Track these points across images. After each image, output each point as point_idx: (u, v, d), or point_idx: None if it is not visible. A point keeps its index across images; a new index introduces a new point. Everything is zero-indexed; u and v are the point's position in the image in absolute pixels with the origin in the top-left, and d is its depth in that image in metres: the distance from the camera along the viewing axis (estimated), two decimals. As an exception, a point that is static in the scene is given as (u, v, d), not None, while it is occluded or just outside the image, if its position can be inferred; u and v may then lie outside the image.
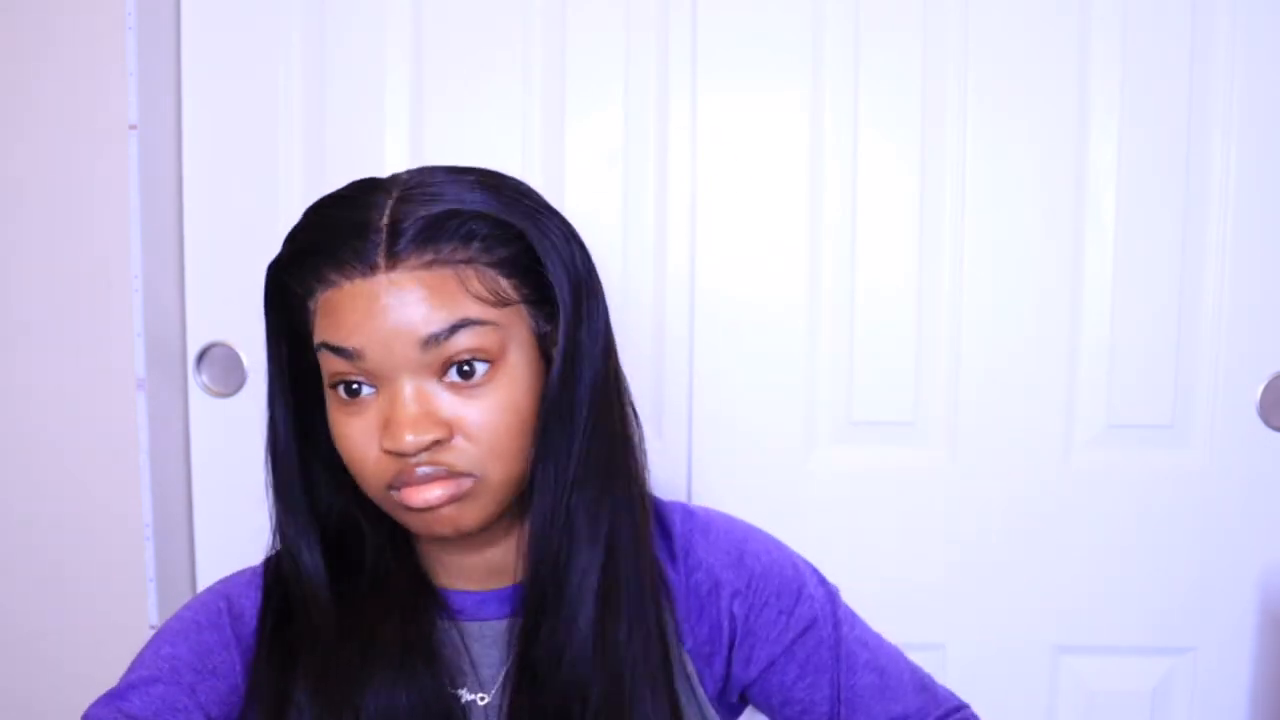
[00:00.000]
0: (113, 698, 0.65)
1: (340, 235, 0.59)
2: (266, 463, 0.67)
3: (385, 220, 0.58)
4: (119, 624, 1.11)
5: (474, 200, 0.60)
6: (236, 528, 1.12)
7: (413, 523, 0.62)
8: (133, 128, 1.06)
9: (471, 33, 1.07)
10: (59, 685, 1.12)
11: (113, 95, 1.05)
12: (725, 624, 0.70)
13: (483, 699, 0.67)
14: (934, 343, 1.07)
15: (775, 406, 1.09)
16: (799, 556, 0.75)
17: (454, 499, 0.60)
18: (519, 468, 0.62)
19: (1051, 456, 1.07)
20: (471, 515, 0.61)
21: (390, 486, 0.60)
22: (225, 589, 0.70)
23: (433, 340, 0.58)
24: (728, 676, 0.72)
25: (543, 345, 0.63)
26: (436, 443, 0.59)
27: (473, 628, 0.68)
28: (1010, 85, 1.05)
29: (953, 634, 1.10)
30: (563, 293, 0.62)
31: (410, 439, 0.58)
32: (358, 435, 0.61)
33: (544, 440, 0.62)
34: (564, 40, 1.07)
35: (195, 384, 1.12)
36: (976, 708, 1.12)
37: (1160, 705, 1.10)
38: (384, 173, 1.10)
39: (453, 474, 0.60)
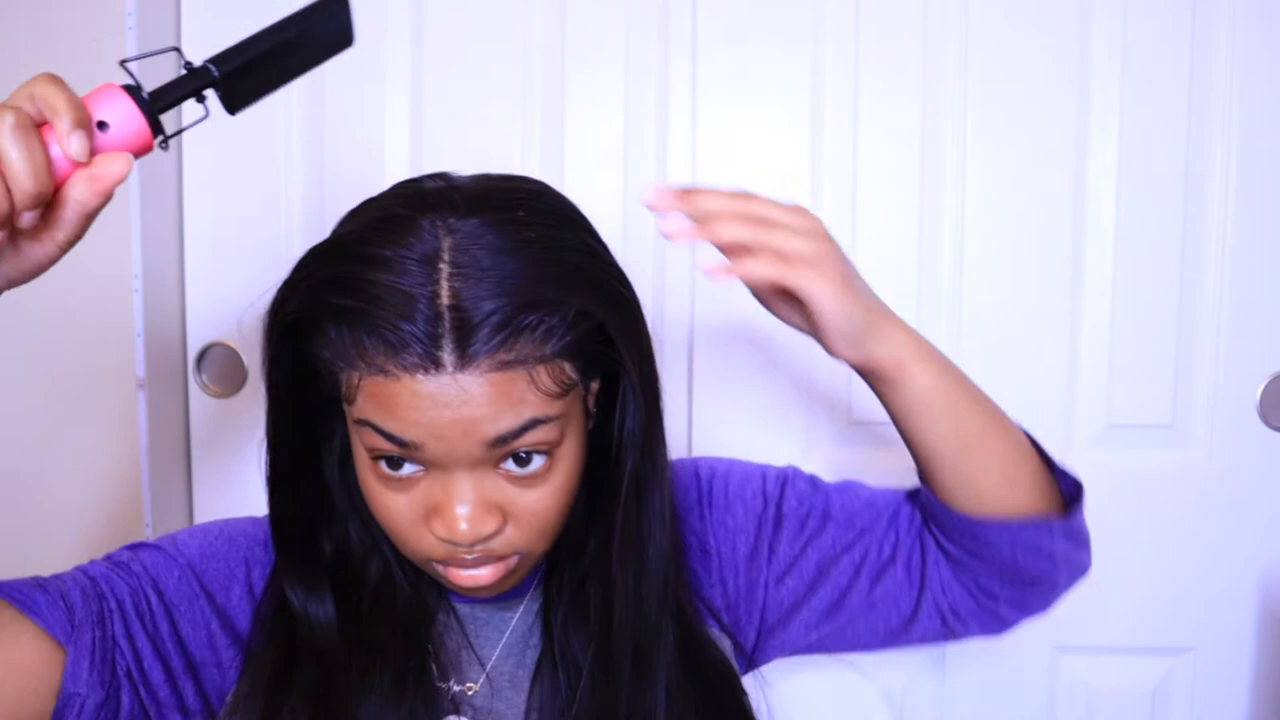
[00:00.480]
0: (138, 547, 0.67)
1: (393, 319, 0.52)
2: (269, 502, 0.65)
3: (446, 303, 0.52)
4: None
5: (548, 293, 0.54)
6: (236, 528, 1.12)
7: (451, 585, 0.62)
8: (133, 128, 1.05)
9: (471, 31, 1.07)
10: (59, 685, 1.12)
11: (113, 95, 1.05)
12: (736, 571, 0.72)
13: (473, 687, 0.67)
14: (934, 342, 1.07)
15: (775, 407, 1.08)
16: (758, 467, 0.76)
17: (501, 578, 0.61)
18: (556, 538, 0.63)
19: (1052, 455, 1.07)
20: (510, 583, 0.63)
21: (438, 562, 0.60)
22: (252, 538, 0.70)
23: (500, 441, 0.55)
24: (764, 608, 0.72)
25: (585, 403, 0.63)
26: (492, 534, 0.58)
27: (478, 612, 0.70)
28: (1010, 85, 1.05)
29: (953, 634, 1.10)
30: (633, 374, 0.59)
31: (466, 530, 0.57)
32: (401, 510, 0.59)
33: (596, 514, 0.65)
34: (564, 39, 1.07)
35: (195, 384, 1.12)
36: (976, 708, 1.12)
37: (1160, 705, 1.10)
38: (384, 171, 1.10)
39: (502, 556, 0.60)
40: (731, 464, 0.77)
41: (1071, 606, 1.08)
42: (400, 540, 0.60)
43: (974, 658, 1.09)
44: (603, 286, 0.58)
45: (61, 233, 0.54)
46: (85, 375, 1.09)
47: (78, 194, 0.52)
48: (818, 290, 0.60)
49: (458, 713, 0.66)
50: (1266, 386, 1.06)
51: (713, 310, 1.08)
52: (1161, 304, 1.06)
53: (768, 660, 0.76)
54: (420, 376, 0.53)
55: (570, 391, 0.58)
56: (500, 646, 0.69)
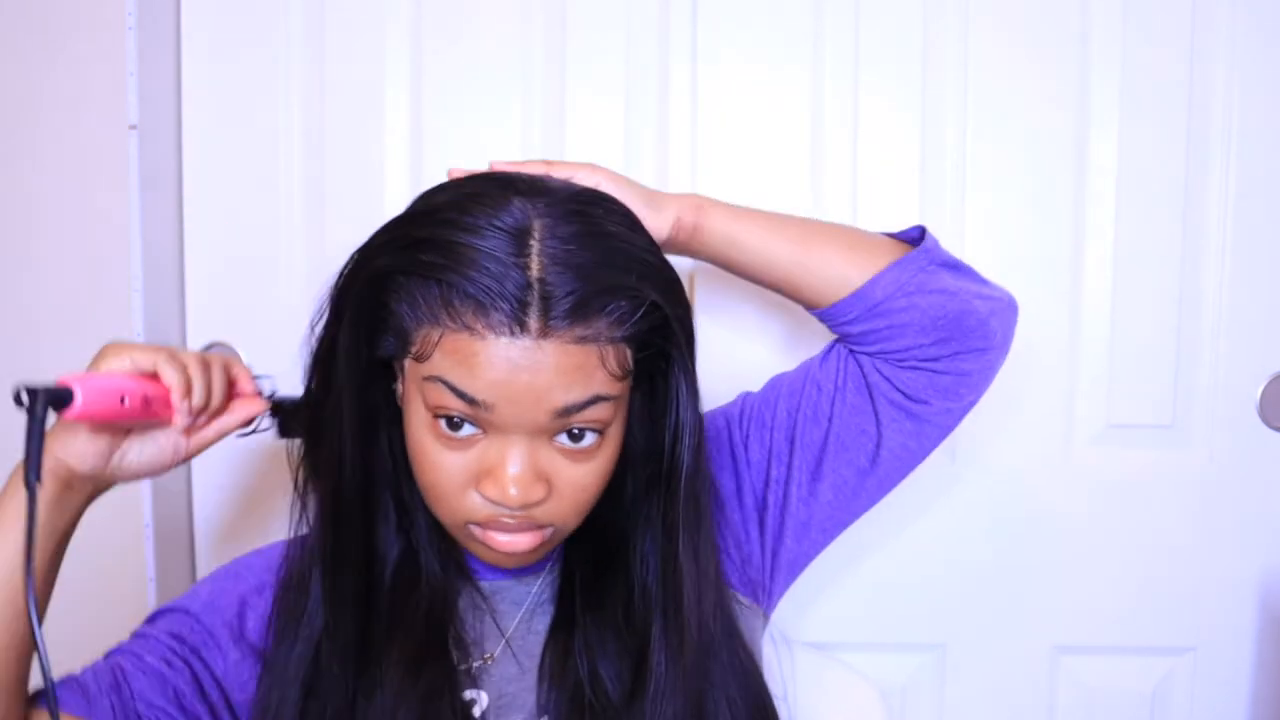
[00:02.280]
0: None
1: (487, 283, 0.57)
2: (310, 486, 0.68)
3: (535, 275, 0.57)
4: (119, 623, 1.10)
5: (626, 282, 0.59)
6: (237, 527, 1.12)
7: (480, 553, 0.65)
8: (133, 128, 1.06)
9: (471, 28, 1.07)
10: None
11: (113, 95, 1.05)
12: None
13: (491, 657, 0.69)
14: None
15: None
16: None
17: (535, 548, 0.64)
18: (586, 515, 0.66)
19: (1052, 456, 1.07)
20: (539, 554, 0.66)
21: (477, 524, 0.63)
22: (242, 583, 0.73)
23: (565, 411, 0.59)
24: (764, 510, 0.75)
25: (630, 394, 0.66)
26: (538, 501, 0.61)
27: (499, 587, 0.72)
28: (1010, 84, 1.05)
29: (952, 634, 1.10)
30: (689, 372, 0.64)
31: (516, 494, 0.60)
32: (452, 469, 0.61)
33: (646, 502, 0.68)
34: (564, 36, 1.07)
35: (195, 384, 1.11)
36: (976, 708, 1.12)
37: (1160, 705, 1.10)
38: (384, 171, 1.10)
39: (538, 526, 0.63)
40: None
41: (1071, 606, 1.09)
42: (442, 501, 0.63)
43: (974, 658, 1.09)
44: (672, 284, 0.62)
45: (195, 442, 0.70)
46: (85, 375, 1.09)
47: (223, 421, 0.70)
48: (587, 172, 0.67)
49: (477, 686, 0.68)
50: (1267, 386, 1.06)
51: (713, 304, 1.08)
52: (1162, 304, 1.06)
53: (792, 575, 0.77)
54: (505, 339, 0.57)
55: (628, 377, 0.62)
56: (517, 619, 0.71)
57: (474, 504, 0.62)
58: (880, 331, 0.70)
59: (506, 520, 0.62)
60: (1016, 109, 1.05)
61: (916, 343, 0.69)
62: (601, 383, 0.59)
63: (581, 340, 0.58)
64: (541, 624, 0.71)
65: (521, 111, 1.08)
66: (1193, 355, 1.06)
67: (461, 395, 0.58)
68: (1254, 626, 1.08)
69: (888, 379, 0.71)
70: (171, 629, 0.69)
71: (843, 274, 0.71)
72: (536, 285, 0.57)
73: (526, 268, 0.57)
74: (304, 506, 0.68)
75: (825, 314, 0.73)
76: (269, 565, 0.72)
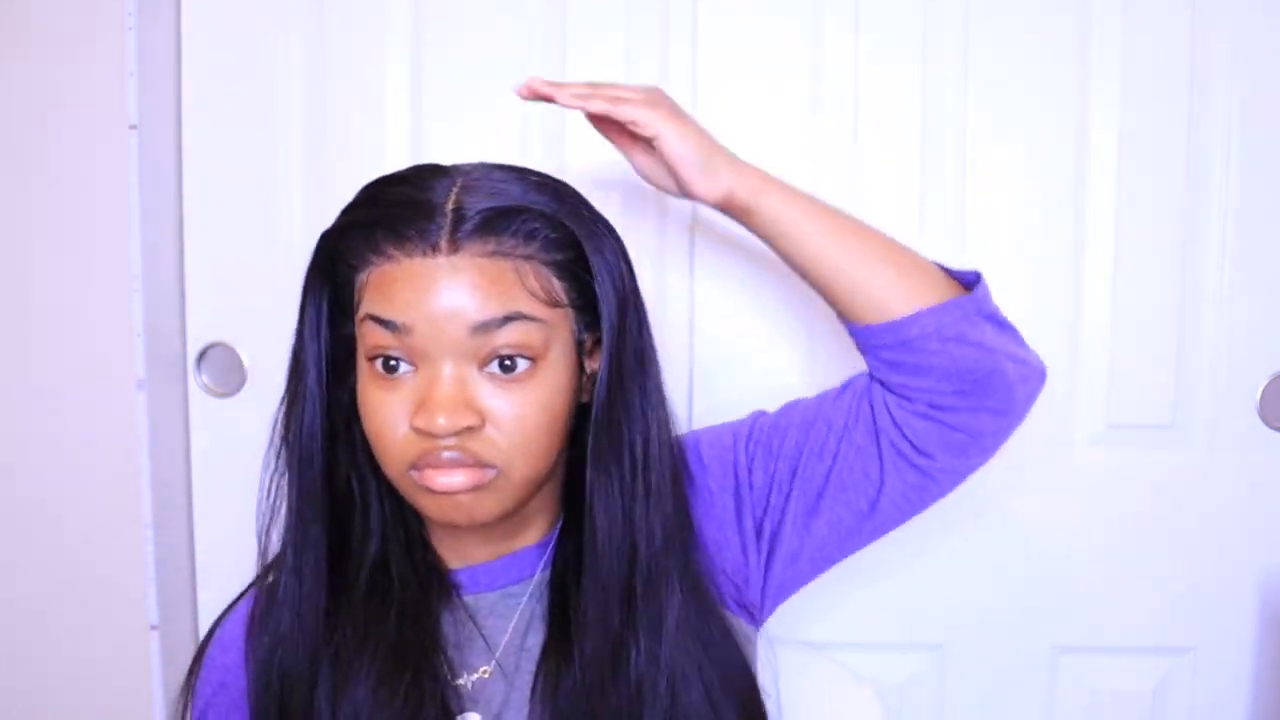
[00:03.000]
0: None
1: (403, 213, 0.60)
2: (281, 436, 0.67)
3: (450, 204, 0.60)
4: (120, 622, 1.11)
5: (538, 201, 0.61)
6: (236, 527, 1.12)
7: (428, 506, 0.63)
8: (133, 127, 1.06)
9: (471, 22, 1.07)
10: (60, 683, 1.12)
11: (113, 95, 1.05)
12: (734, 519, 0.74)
13: (485, 672, 0.68)
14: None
15: (775, 400, 1.08)
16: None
17: (475, 488, 0.61)
18: (542, 466, 0.63)
19: (1052, 456, 1.07)
20: (488, 507, 0.62)
21: (413, 466, 0.61)
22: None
23: (483, 328, 0.59)
24: (759, 534, 0.73)
25: (579, 352, 0.65)
26: (468, 429, 0.59)
27: (484, 602, 0.70)
28: (1010, 81, 1.05)
29: (952, 634, 1.10)
30: (609, 308, 0.63)
31: (443, 420, 0.59)
32: (389, 410, 0.61)
33: (595, 451, 0.64)
34: (564, 28, 1.07)
35: (195, 384, 1.12)
36: (977, 707, 1.12)
37: (1160, 705, 1.10)
38: (384, 166, 1.10)
39: (477, 463, 0.61)
40: (699, 433, 0.78)
41: (1072, 606, 1.09)
42: (385, 449, 0.62)
43: (974, 657, 1.09)
44: (589, 220, 0.64)
45: None
46: (86, 375, 1.09)
47: None
48: (653, 119, 0.67)
49: (464, 709, 0.66)
50: (1267, 386, 1.06)
51: (713, 295, 1.08)
52: (1162, 304, 1.06)
53: (780, 599, 0.76)
54: (418, 259, 0.59)
55: (558, 307, 0.62)
56: (508, 633, 0.69)
57: (410, 442, 0.60)
58: (904, 365, 0.68)
59: (442, 454, 0.60)
60: (1017, 105, 1.05)
61: (937, 387, 0.67)
62: (520, 301, 0.60)
63: (493, 255, 0.59)
64: (534, 641, 0.69)
65: (521, 103, 1.07)
66: (1193, 355, 1.06)
67: (385, 323, 0.59)
68: (1254, 626, 1.08)
69: (898, 426, 0.69)
70: None
71: (886, 299, 0.68)
72: (451, 210, 0.59)
73: (444, 201, 0.60)
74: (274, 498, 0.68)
75: (856, 331, 0.71)
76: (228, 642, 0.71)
